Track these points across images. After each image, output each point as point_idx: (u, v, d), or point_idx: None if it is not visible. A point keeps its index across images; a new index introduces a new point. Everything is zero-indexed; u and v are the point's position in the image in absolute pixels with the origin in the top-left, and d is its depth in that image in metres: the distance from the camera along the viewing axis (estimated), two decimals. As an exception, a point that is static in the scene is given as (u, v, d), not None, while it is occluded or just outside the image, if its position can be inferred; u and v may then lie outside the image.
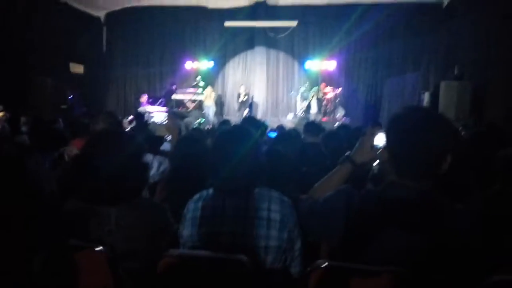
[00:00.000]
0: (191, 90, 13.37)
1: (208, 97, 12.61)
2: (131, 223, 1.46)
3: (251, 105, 13.57)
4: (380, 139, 1.45)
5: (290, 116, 13.73)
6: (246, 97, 13.40)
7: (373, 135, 1.49)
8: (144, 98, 12.84)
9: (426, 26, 11.82)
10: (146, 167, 1.61)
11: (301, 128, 4.67)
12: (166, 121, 2.82)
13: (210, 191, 1.61)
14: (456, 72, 9.79)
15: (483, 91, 8.99)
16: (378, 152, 1.42)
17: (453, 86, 9.13)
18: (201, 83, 13.41)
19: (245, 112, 13.10)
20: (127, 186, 1.46)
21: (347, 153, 1.57)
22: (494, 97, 8.59)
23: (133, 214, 1.48)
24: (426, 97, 9.91)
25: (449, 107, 8.99)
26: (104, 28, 14.01)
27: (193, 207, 1.60)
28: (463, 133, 4.75)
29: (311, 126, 4.00)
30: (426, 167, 1.22)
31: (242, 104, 13.44)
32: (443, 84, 9.32)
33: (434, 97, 9.52)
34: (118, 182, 1.44)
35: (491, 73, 8.77)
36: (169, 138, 3.28)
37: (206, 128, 8.82)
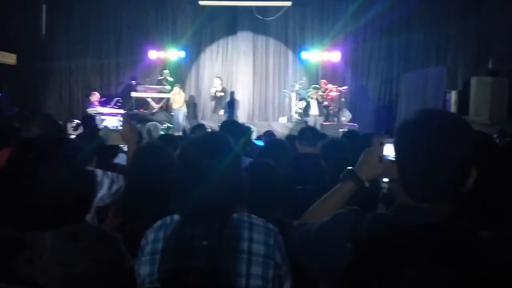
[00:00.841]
0: (156, 86, 13.33)
1: (176, 100, 12.60)
2: (71, 259, 1.44)
3: (231, 104, 13.54)
4: (391, 150, 1.47)
5: (283, 119, 13.79)
6: (223, 93, 13.34)
7: (381, 144, 1.50)
8: (95, 96, 12.76)
9: (453, 10, 12.08)
10: (92, 183, 1.59)
11: (296, 136, 4.70)
12: (122, 126, 2.80)
13: (175, 217, 1.60)
14: (490, 66, 10.01)
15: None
16: (386, 167, 1.43)
17: (487, 83, 9.33)
18: (170, 78, 13.39)
19: (221, 112, 13.06)
20: (65, 207, 1.44)
21: (349, 168, 1.58)
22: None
23: (74, 246, 1.45)
24: (453, 96, 10.09)
25: (482, 109, 9.18)
26: (44, 7, 13.91)
27: (153, 237, 1.58)
28: (498, 141, 4.84)
29: (308, 133, 4.02)
30: (444, 185, 1.23)
31: (218, 103, 13.35)
32: (474, 81, 9.51)
33: (463, 97, 9.70)
34: (53, 201, 1.42)
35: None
36: (125, 148, 3.26)
37: (175, 134, 8.79)
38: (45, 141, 1.54)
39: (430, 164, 1.21)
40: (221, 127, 3.90)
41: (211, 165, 1.54)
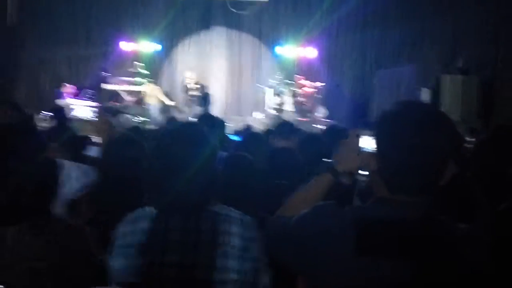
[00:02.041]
0: (129, 79, 13.11)
1: (148, 95, 12.44)
2: (35, 253, 1.40)
3: (206, 98, 13.44)
4: (367, 142, 1.47)
5: (257, 114, 13.79)
6: (198, 86, 13.20)
7: (358, 136, 1.50)
8: (67, 88, 12.47)
9: (426, 8, 12.28)
10: (51, 171, 1.55)
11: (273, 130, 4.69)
12: (97, 118, 2.74)
13: (148, 209, 1.57)
14: (461, 64, 10.22)
15: (492, 87, 9.42)
16: (365, 159, 1.43)
17: (458, 81, 9.53)
18: (143, 71, 13.18)
19: (196, 110, 12.89)
20: (29, 198, 1.40)
21: (325, 160, 1.58)
22: (506, 94, 9.02)
23: (39, 239, 1.41)
24: (425, 94, 10.27)
25: (453, 106, 9.36)
26: (10, -4, 13.50)
27: (126, 230, 1.55)
28: (468, 138, 4.95)
29: (285, 127, 4.02)
30: (423, 177, 1.24)
31: (191, 96, 13.18)
32: (445, 79, 9.70)
33: (435, 94, 9.88)
34: (15, 192, 1.37)
35: (502, 66, 9.22)
36: (96, 140, 3.20)
37: (148, 128, 8.67)
38: (4, 130, 1.49)
39: (410, 156, 1.22)
40: (197, 121, 3.87)
41: (186, 156, 1.52)
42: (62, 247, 1.44)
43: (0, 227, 1.39)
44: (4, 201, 1.38)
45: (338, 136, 4.27)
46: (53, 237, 1.44)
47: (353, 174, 1.62)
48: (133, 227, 1.55)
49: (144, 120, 11.83)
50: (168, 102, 13.20)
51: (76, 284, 1.40)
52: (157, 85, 13.11)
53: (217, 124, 3.70)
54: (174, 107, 13.75)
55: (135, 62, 13.40)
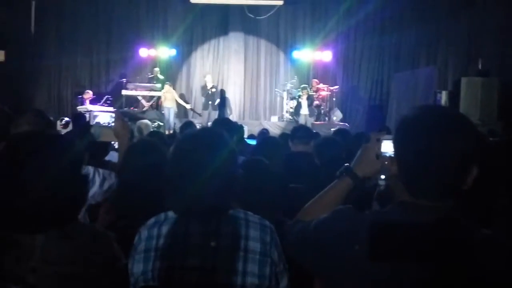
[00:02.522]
0: (147, 84, 13.26)
1: (167, 97, 12.53)
2: (62, 258, 1.41)
3: (223, 102, 13.50)
4: (388, 147, 1.46)
5: (274, 118, 13.80)
6: (214, 89, 13.29)
7: (379, 141, 1.49)
8: (88, 94, 12.66)
9: (444, 10, 12.16)
10: (85, 181, 1.56)
11: (289, 134, 4.67)
12: (114, 123, 2.77)
13: (170, 214, 1.58)
14: (480, 66, 10.08)
15: (513, 89, 9.27)
16: (385, 164, 1.42)
17: (477, 84, 9.40)
18: (160, 76, 13.32)
19: (213, 114, 12.94)
20: (58, 207, 1.41)
21: (346, 165, 1.57)
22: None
23: (66, 245, 1.42)
24: (443, 97, 10.17)
25: (472, 109, 9.24)
26: (33, 4, 13.76)
27: (146, 235, 1.55)
28: (490, 140, 4.87)
29: (301, 131, 4.01)
30: (446, 182, 1.22)
31: (209, 99, 13.27)
32: (464, 81, 9.58)
33: (454, 97, 9.77)
34: (45, 201, 1.39)
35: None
36: (116, 145, 3.22)
37: (167, 133, 8.74)
38: (35, 140, 1.51)
39: (431, 161, 1.20)
40: (214, 124, 3.89)
41: (206, 160, 1.52)
42: (88, 253, 1.45)
43: (30, 235, 1.41)
44: (36, 209, 1.40)
45: (348, 140, 4.27)
46: (79, 242, 1.45)
47: (372, 178, 1.61)
48: (154, 231, 1.55)
49: (159, 124, 11.93)
50: (184, 104, 13.30)
51: (100, 287, 1.41)
52: (175, 89, 13.20)
53: (236, 128, 3.71)
54: (191, 109, 13.84)
55: (155, 68, 13.54)
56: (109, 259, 1.50)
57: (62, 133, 4.87)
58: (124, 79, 13.41)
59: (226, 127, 3.46)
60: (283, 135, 5.08)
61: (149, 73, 13.65)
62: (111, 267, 1.50)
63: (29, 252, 1.40)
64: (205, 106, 13.34)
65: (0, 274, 1.34)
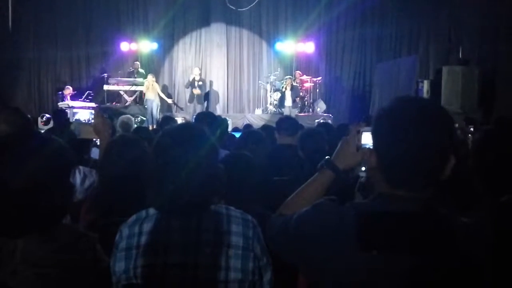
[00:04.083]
0: (129, 79, 13.11)
1: (149, 88, 12.35)
2: (44, 260, 1.39)
3: (207, 96, 13.43)
4: (368, 138, 1.46)
5: (258, 111, 13.79)
6: (201, 83, 13.17)
7: (359, 133, 1.50)
8: (68, 90, 12.49)
9: (424, 1, 12.25)
10: (71, 190, 1.54)
11: (271, 126, 4.67)
12: (94, 119, 2.73)
13: (151, 211, 1.56)
14: (460, 55, 10.20)
15: (492, 77, 9.40)
16: (364, 156, 1.43)
17: (458, 72, 9.51)
18: (141, 70, 13.18)
19: (198, 108, 12.83)
20: (41, 214, 1.39)
21: (326, 158, 1.57)
22: (506, 84, 9.00)
23: (47, 247, 1.40)
24: (425, 86, 10.28)
25: (453, 97, 9.36)
26: (10, -3, 13.49)
27: (127, 233, 1.54)
28: (471, 129, 4.94)
29: (287, 123, 3.95)
30: (424, 172, 1.24)
31: (196, 96, 13.14)
32: (445, 70, 9.69)
33: (435, 86, 9.88)
34: (28, 207, 1.36)
35: (502, 56, 9.19)
36: (98, 142, 3.19)
37: (149, 128, 8.66)
38: (21, 143, 1.47)
39: (409, 151, 1.21)
40: (196, 118, 3.86)
41: (186, 156, 1.51)
42: (70, 255, 1.43)
43: (10, 239, 1.38)
44: (17, 214, 1.37)
45: (331, 133, 4.27)
46: (61, 244, 1.43)
47: (354, 170, 1.61)
48: (135, 229, 1.54)
49: (142, 119, 11.83)
50: (166, 99, 13.18)
51: None
52: (157, 83, 13.06)
53: (219, 122, 3.68)
54: (173, 103, 13.74)
55: (135, 62, 13.40)
56: (91, 260, 1.49)
57: (43, 130, 4.79)
58: (106, 74, 13.24)
59: (209, 121, 3.45)
60: (265, 128, 5.06)
61: (130, 68, 13.48)
62: (93, 269, 1.49)
63: (10, 255, 1.37)
64: (191, 99, 13.22)
65: None
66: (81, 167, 2.55)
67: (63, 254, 1.43)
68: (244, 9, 14.08)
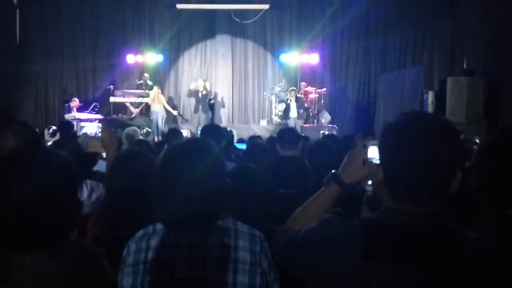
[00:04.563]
0: (135, 91, 13.18)
1: (155, 100, 12.41)
2: (51, 275, 1.39)
3: (212, 107, 13.46)
4: (375, 152, 1.46)
5: (263, 122, 13.81)
6: (205, 92, 13.18)
7: (365, 147, 1.49)
8: (75, 102, 12.57)
9: (428, 11, 12.28)
10: (79, 205, 1.54)
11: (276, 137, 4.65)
12: (101, 133, 2.74)
13: (158, 226, 1.57)
14: (465, 66, 10.18)
15: (497, 88, 9.37)
16: (371, 170, 1.42)
17: (462, 83, 9.49)
18: (149, 82, 13.26)
19: (202, 118, 12.82)
20: (49, 229, 1.39)
21: (333, 171, 1.57)
22: (511, 95, 8.96)
23: (54, 263, 1.40)
24: (430, 97, 10.25)
25: (458, 108, 9.34)
26: (18, 11, 13.64)
27: (135, 248, 1.54)
28: (476, 140, 4.91)
29: (288, 135, 3.90)
30: (430, 187, 1.23)
31: (201, 103, 13.13)
32: (450, 81, 9.67)
33: (440, 97, 9.86)
34: (34, 221, 1.37)
35: (507, 66, 9.17)
36: (105, 154, 3.20)
37: (154, 140, 8.70)
38: (26, 154, 1.48)
39: (414, 165, 1.21)
40: (202, 131, 3.87)
41: (193, 171, 1.51)
42: (77, 270, 1.43)
43: (17, 255, 1.39)
44: (24, 231, 1.38)
45: (346, 143, 4.25)
46: (68, 260, 1.43)
47: (360, 183, 1.61)
48: (143, 244, 1.54)
49: (148, 131, 11.86)
50: (171, 111, 13.22)
51: None
52: (163, 95, 13.12)
53: (225, 134, 3.69)
54: (179, 115, 13.77)
55: (145, 74, 13.49)
56: (98, 276, 1.49)
57: (50, 142, 4.81)
58: (112, 86, 13.33)
59: (214, 133, 3.45)
60: (270, 139, 5.06)
61: (138, 80, 13.56)
62: (100, 284, 1.48)
63: (17, 269, 1.38)
64: (196, 110, 13.26)
65: None
66: (88, 181, 2.55)
67: (70, 269, 1.43)
68: (249, 21, 14.17)
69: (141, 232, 1.59)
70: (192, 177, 1.50)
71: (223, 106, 14.48)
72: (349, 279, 1.24)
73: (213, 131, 3.63)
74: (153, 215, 1.60)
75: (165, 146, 3.75)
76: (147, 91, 12.94)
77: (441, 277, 1.17)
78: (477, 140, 4.96)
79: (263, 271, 1.54)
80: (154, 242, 1.52)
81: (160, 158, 1.61)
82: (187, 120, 13.86)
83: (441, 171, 1.22)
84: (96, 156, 3.52)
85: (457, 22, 11.16)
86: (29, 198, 1.37)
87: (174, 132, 4.80)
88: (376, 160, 1.44)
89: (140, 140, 5.90)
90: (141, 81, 13.34)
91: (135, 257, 1.52)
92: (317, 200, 1.58)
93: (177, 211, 1.51)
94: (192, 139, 1.89)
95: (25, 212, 1.37)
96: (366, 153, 1.51)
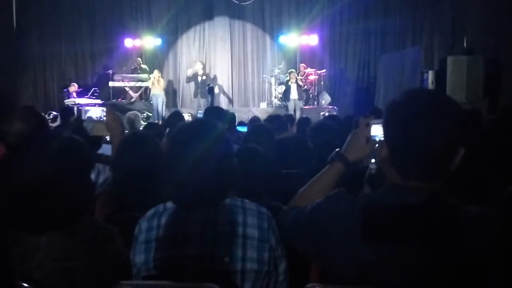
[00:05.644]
0: (134, 75, 13.14)
1: (156, 84, 12.38)
2: (66, 254, 1.44)
3: (212, 90, 13.42)
4: (377, 130, 1.49)
5: (263, 105, 13.80)
6: (205, 77, 13.15)
7: (368, 125, 1.53)
8: (74, 87, 12.54)
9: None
10: (92, 189, 1.59)
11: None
12: (106, 116, 2.77)
13: (168, 204, 1.61)
14: (465, 44, 10.15)
15: (497, 66, 9.36)
16: (375, 148, 1.46)
17: (462, 62, 9.48)
18: (143, 66, 13.20)
19: (202, 101, 12.82)
20: (63, 209, 1.44)
21: (337, 150, 1.60)
22: (511, 73, 8.96)
23: (70, 241, 1.45)
24: (430, 76, 10.25)
25: (459, 87, 9.34)
26: (14, -5, 13.51)
27: (146, 226, 1.59)
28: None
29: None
30: (434, 163, 1.27)
31: (200, 87, 13.12)
32: (450, 60, 9.65)
33: (440, 76, 9.85)
34: (49, 204, 1.41)
35: (506, 45, 9.15)
36: (108, 138, 3.23)
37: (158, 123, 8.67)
38: (39, 138, 1.52)
39: (420, 143, 1.24)
40: (205, 113, 3.89)
41: (202, 151, 1.55)
42: (91, 248, 1.48)
43: (33, 236, 1.43)
44: (40, 213, 1.42)
45: (347, 124, 4.30)
46: (82, 238, 1.48)
47: (362, 161, 1.65)
48: (154, 222, 1.58)
49: (148, 115, 11.86)
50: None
51: (104, 281, 1.44)
52: (162, 78, 13.07)
53: (228, 116, 3.72)
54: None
55: (138, 58, 13.42)
56: (112, 253, 1.53)
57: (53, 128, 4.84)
58: (110, 71, 13.28)
59: (217, 116, 3.48)
60: (271, 119, 5.11)
61: (133, 64, 13.49)
62: (115, 262, 1.53)
63: (34, 249, 1.43)
64: (195, 94, 13.22)
65: (7, 269, 1.37)
66: (95, 164, 2.58)
67: (85, 247, 1.48)
68: (247, 2, 14.05)
69: (152, 210, 1.63)
70: (202, 157, 1.54)
71: (223, 89, 14.44)
72: (351, 257, 1.27)
73: (216, 113, 3.66)
74: (160, 196, 1.64)
75: (167, 130, 3.78)
76: (141, 75, 12.86)
77: (441, 254, 1.20)
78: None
79: (271, 246, 1.58)
80: (165, 220, 1.57)
81: (169, 139, 1.65)
82: (185, 105, 13.78)
83: (445, 147, 1.25)
84: (99, 140, 3.56)
85: (456, 2, 11.09)
86: (43, 182, 1.41)
87: (176, 115, 4.82)
88: (379, 138, 1.47)
89: (150, 123, 5.90)
90: (135, 66, 13.24)
91: (147, 234, 1.57)
92: (321, 178, 1.61)
93: (186, 190, 1.55)
94: (200, 120, 1.93)
95: (39, 196, 1.41)
96: (369, 132, 1.54)
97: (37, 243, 1.43)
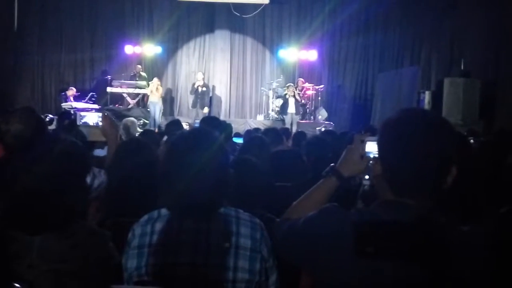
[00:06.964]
0: (132, 82, 13.15)
1: (154, 92, 12.40)
2: (59, 255, 1.45)
3: (210, 101, 13.44)
4: (372, 147, 1.52)
5: (260, 117, 13.83)
6: (205, 88, 13.20)
7: (363, 142, 1.55)
8: (72, 91, 12.53)
9: (427, 11, 12.33)
10: (87, 192, 1.60)
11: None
12: (102, 122, 2.78)
13: (163, 211, 1.62)
14: (462, 67, 10.26)
15: (494, 89, 9.45)
16: (370, 164, 1.48)
17: (459, 84, 9.57)
18: (143, 74, 13.22)
19: (205, 110, 12.88)
20: (60, 210, 1.45)
21: (331, 165, 1.62)
22: (507, 96, 9.04)
23: (62, 243, 1.46)
24: (426, 97, 10.33)
25: (455, 109, 9.42)
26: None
27: (140, 232, 1.59)
28: (471, 141, 4.98)
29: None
30: (427, 181, 1.29)
31: (199, 98, 13.15)
32: (447, 82, 9.74)
33: (436, 97, 9.93)
34: (46, 205, 1.42)
35: (503, 69, 9.25)
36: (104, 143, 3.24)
37: (155, 131, 8.68)
38: (37, 144, 1.53)
39: (414, 161, 1.27)
40: (202, 122, 3.91)
41: (199, 160, 1.56)
42: (84, 251, 1.49)
43: (27, 236, 1.44)
44: (35, 213, 1.43)
45: (342, 140, 4.33)
46: (75, 241, 1.49)
47: (356, 177, 1.67)
48: (148, 228, 1.59)
49: (145, 122, 11.86)
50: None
51: (95, 284, 1.45)
52: (160, 84, 13.08)
53: (224, 126, 3.74)
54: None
55: (137, 66, 13.45)
56: (104, 257, 1.54)
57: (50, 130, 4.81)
58: (109, 76, 13.29)
59: (214, 126, 3.50)
60: (268, 132, 5.13)
61: (133, 71, 13.51)
62: (106, 265, 1.54)
63: (27, 249, 1.43)
64: (194, 104, 13.23)
65: (0, 269, 1.38)
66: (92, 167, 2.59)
67: (78, 250, 1.48)
68: (248, 15, 14.15)
69: (146, 216, 1.64)
70: (198, 165, 1.55)
71: (220, 100, 14.48)
72: (342, 271, 1.28)
73: (213, 123, 3.68)
74: (155, 203, 1.65)
75: (165, 138, 3.79)
76: (140, 82, 12.87)
77: (428, 272, 1.21)
78: (472, 141, 5.03)
79: (263, 257, 1.59)
80: (159, 226, 1.57)
81: (167, 147, 1.66)
82: (183, 114, 13.79)
83: (438, 166, 1.27)
84: (93, 145, 3.56)
85: (455, 24, 11.23)
86: (43, 182, 1.42)
87: (175, 123, 4.83)
88: (373, 155, 1.50)
89: (147, 130, 5.89)
90: (134, 73, 13.26)
91: (140, 240, 1.57)
92: (315, 191, 1.62)
93: (182, 198, 1.56)
94: (198, 129, 1.94)
95: (36, 197, 1.42)
96: (364, 148, 1.57)
97: (31, 243, 1.44)
